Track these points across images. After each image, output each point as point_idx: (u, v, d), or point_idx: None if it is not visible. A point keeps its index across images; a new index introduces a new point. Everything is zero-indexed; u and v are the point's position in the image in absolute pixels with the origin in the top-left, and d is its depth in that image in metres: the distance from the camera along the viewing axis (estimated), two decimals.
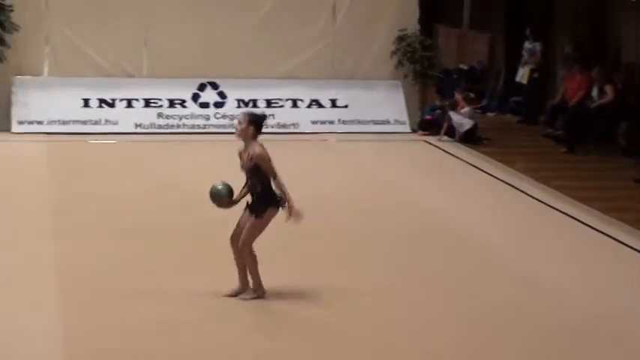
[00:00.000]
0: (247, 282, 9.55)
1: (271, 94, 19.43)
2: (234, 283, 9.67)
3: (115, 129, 18.47)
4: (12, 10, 18.27)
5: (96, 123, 18.54)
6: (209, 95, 19.24)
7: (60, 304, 9.17)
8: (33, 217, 12.31)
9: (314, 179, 15.06)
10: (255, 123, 9.70)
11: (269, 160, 9.51)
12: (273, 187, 9.50)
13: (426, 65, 19.94)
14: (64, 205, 13.02)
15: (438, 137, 18.77)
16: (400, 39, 19.88)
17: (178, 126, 18.87)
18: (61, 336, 8.43)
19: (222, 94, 19.30)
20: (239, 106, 19.16)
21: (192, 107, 19.11)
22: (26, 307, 9.07)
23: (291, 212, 9.38)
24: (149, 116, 18.84)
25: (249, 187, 9.58)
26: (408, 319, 9.34)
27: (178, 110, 19.01)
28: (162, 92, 19.06)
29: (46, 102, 18.56)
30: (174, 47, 19.12)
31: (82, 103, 18.70)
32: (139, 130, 18.58)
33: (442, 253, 11.53)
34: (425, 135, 19.14)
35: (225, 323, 9.03)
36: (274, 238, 9.98)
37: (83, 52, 18.90)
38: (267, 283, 9.69)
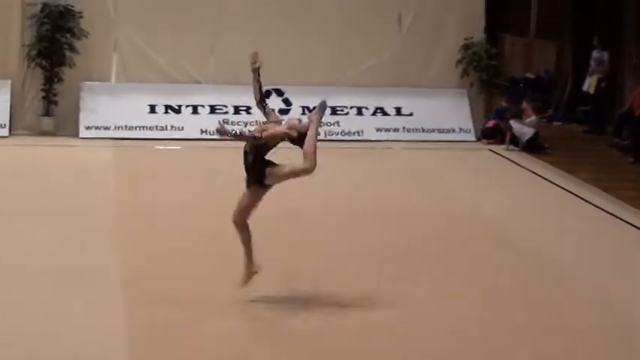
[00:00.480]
0: (252, 259, 9.57)
1: (336, 102, 19.39)
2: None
3: (181, 135, 18.58)
4: (81, 17, 18.46)
5: (162, 129, 18.66)
6: (274, 102, 19.25)
7: (124, 308, 9.19)
8: (99, 221, 12.38)
9: (377, 188, 15.00)
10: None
11: (278, 138, 9.59)
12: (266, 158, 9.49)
13: (491, 74, 19.81)
14: (129, 209, 13.09)
15: (504, 146, 18.62)
16: (466, 47, 19.77)
17: (242, 132, 18.88)
18: (124, 340, 8.44)
19: (287, 101, 19.33)
20: (304, 113, 19.14)
21: (258, 114, 19.07)
22: (92, 311, 9.10)
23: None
24: (215, 122, 18.83)
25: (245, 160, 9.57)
26: (476, 330, 9.23)
27: (244, 116, 19.05)
28: (228, 99, 19.13)
29: (113, 108, 18.71)
30: (241, 54, 19.01)
31: (148, 109, 18.84)
32: (204, 136, 18.66)
33: (506, 265, 11.34)
34: (489, 144, 19.00)
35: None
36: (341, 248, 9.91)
37: (150, 58, 19.03)
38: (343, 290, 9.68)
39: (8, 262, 10.45)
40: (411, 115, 19.61)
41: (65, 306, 9.22)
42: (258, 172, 9.45)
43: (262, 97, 9.81)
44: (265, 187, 9.54)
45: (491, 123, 19.41)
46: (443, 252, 11.67)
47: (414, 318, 9.44)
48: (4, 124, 18.27)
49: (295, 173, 9.53)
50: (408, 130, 19.46)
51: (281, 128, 9.52)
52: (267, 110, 9.81)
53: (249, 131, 9.56)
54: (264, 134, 9.33)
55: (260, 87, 9.78)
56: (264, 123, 9.72)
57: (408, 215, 13.34)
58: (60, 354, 8.14)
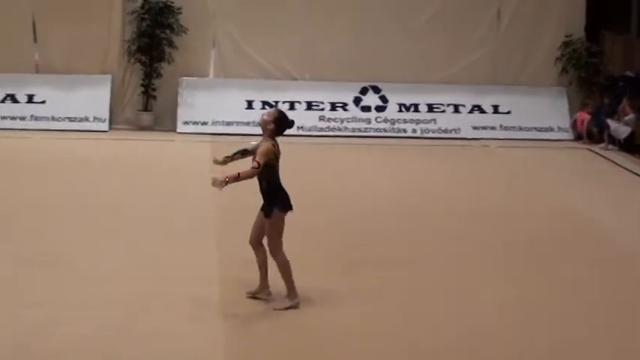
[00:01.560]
0: (267, 285, 9.34)
1: (433, 99, 19.23)
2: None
3: None
4: (180, 13, 18.57)
5: (259, 124, 18.62)
6: (371, 99, 19.17)
7: (222, 306, 9.14)
8: (197, 217, 12.38)
9: (473, 186, 14.80)
10: (279, 122, 9.41)
11: (271, 154, 9.16)
12: (280, 184, 9.23)
13: (591, 72, 19.44)
14: (226, 206, 13.07)
15: (603, 145, 18.25)
16: (565, 45, 19.44)
17: (339, 129, 18.87)
18: (222, 343, 8.38)
19: (383, 98, 19.20)
20: (400, 110, 19.05)
21: (354, 110, 19.07)
22: (186, 312, 9.08)
23: (218, 181, 9.02)
24: (311, 119, 18.88)
25: (260, 186, 9.33)
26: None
27: (340, 113, 19.00)
28: (325, 95, 19.09)
29: (211, 103, 18.80)
30: (338, 51, 19.12)
31: (245, 104, 18.88)
32: (300, 132, 18.62)
33: (601, 265, 11.06)
34: (588, 143, 18.64)
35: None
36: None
37: (248, 54, 19.07)
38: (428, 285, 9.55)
39: (108, 254, 10.49)
40: (508, 113, 19.34)
41: (163, 301, 9.21)
42: (273, 197, 9.27)
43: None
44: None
45: (581, 120, 19.01)
46: (550, 252, 11.39)
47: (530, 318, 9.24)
48: (104, 119, 18.47)
49: None
50: (505, 129, 19.20)
51: (265, 143, 9.27)
52: (245, 152, 9.55)
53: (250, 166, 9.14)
54: (258, 159, 9.11)
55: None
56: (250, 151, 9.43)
57: (506, 214, 13.10)
58: (164, 348, 8.14)
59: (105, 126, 18.42)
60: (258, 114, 18.61)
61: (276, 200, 9.16)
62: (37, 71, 18.87)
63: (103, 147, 17.29)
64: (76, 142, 17.36)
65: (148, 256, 10.51)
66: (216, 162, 9.42)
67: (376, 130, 18.90)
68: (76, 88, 18.64)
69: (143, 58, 18.58)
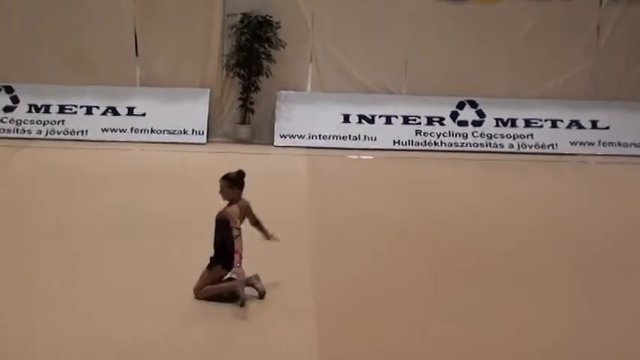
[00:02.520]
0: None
1: (530, 114, 19.01)
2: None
3: (374, 145, 18.54)
4: (279, 27, 18.65)
5: (355, 138, 18.67)
6: (468, 113, 19.02)
7: (315, 320, 9.12)
8: (292, 230, 12.38)
9: (570, 202, 14.57)
10: (236, 183, 9.50)
11: (237, 218, 9.24)
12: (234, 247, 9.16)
13: None
14: (322, 218, 13.07)
15: None
16: None
17: (436, 143, 18.75)
18: (316, 352, 8.37)
19: (480, 113, 19.03)
20: (497, 125, 18.86)
21: (451, 125, 18.94)
22: (283, 320, 9.07)
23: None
24: (407, 133, 18.81)
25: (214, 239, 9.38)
26: None
27: (436, 128, 18.88)
28: (421, 109, 18.99)
29: (308, 117, 18.83)
30: (435, 65, 19.02)
31: (342, 118, 18.88)
32: (396, 146, 18.58)
33: None
34: None
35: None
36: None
37: (345, 68, 19.07)
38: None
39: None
40: (607, 128, 19.01)
41: (259, 304, 9.26)
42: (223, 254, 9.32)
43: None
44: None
45: None
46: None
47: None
48: (203, 132, 18.63)
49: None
50: (604, 144, 18.88)
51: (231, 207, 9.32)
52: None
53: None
54: (234, 224, 9.20)
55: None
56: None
57: (603, 230, 12.87)
58: (260, 350, 8.18)
59: (203, 139, 18.58)
60: (354, 128, 18.73)
61: (222, 259, 9.26)
62: (138, 84, 19.12)
63: (201, 160, 17.42)
64: (174, 155, 17.53)
65: (244, 261, 10.54)
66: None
67: (473, 144, 18.75)
68: (175, 101, 18.84)
69: (242, 72, 18.70)
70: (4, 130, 18.64)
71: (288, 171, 16.46)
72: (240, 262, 9.04)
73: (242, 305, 9.18)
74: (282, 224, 12.54)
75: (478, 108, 19.03)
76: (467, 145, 18.72)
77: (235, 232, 9.17)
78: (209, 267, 9.41)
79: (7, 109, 18.85)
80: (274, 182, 15.36)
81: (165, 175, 15.56)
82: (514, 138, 18.80)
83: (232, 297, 9.28)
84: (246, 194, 14.01)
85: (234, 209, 9.35)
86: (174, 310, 9.13)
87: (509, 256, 11.46)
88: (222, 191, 9.47)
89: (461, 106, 19.04)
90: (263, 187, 14.88)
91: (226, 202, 9.52)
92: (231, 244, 9.17)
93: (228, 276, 9.43)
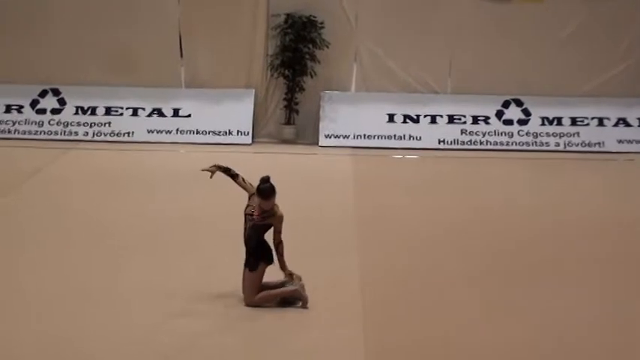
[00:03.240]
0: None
1: (576, 112, 18.84)
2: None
3: (419, 145, 18.47)
4: (323, 27, 18.63)
5: (400, 138, 18.61)
6: (513, 112, 18.88)
7: (361, 320, 9.08)
8: (338, 230, 12.37)
9: (615, 201, 14.43)
10: (266, 195, 9.59)
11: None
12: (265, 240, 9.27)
13: None
14: (368, 218, 13.04)
15: None
16: None
17: (481, 142, 18.64)
18: (362, 352, 8.33)
19: (526, 112, 18.89)
20: (543, 124, 18.72)
21: (496, 124, 18.82)
22: (327, 320, 9.04)
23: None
24: (452, 132, 18.71)
25: (244, 238, 9.35)
26: None
27: (482, 127, 18.77)
28: (466, 109, 18.88)
29: (353, 117, 18.78)
30: (479, 64, 18.90)
31: (387, 118, 18.81)
32: (442, 146, 18.50)
33: None
34: None
35: None
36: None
37: (389, 68, 19.00)
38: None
39: None
40: None
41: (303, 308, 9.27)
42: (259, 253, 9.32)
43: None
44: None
45: None
46: None
47: None
48: (248, 132, 18.65)
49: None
50: None
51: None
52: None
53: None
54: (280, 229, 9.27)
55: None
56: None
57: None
58: (306, 348, 8.16)
59: (248, 139, 18.60)
60: (399, 128, 18.68)
61: (262, 255, 9.30)
62: (183, 86, 19.19)
63: (246, 160, 17.41)
64: (219, 156, 17.50)
65: (290, 267, 10.55)
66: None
67: (518, 143, 18.61)
68: (220, 102, 18.88)
69: (286, 72, 18.69)
70: (51, 132, 18.77)
71: (333, 171, 16.44)
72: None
73: (305, 306, 9.20)
74: (328, 224, 12.57)
75: (524, 107, 18.89)
76: (512, 144, 18.59)
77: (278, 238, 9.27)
78: (251, 270, 9.35)
79: (55, 112, 18.98)
80: (319, 182, 15.36)
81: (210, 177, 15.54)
82: (560, 136, 18.65)
83: (285, 301, 9.28)
84: (292, 194, 14.02)
85: (281, 213, 9.38)
86: (220, 311, 9.12)
87: (557, 255, 11.37)
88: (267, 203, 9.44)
89: (506, 104, 18.92)
90: (308, 188, 14.92)
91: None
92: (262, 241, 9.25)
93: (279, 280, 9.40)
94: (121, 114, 18.93)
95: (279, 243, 9.20)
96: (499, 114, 18.82)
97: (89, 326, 8.67)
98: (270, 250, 9.26)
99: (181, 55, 19.10)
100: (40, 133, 18.76)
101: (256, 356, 8.12)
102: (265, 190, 9.35)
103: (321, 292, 9.59)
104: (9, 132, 18.76)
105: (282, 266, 9.22)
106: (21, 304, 9.29)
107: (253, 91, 18.96)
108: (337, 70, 19.03)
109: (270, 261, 9.30)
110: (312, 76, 18.63)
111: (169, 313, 9.02)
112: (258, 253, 9.32)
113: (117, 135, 18.65)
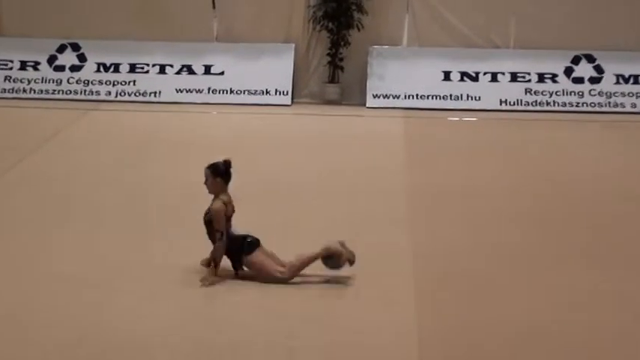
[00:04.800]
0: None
1: None
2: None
3: (478, 105, 18.34)
4: None
5: (457, 98, 18.49)
6: (584, 69, 18.70)
7: (414, 297, 9.06)
8: (388, 201, 12.32)
9: None
10: (220, 173, 9.37)
11: (222, 217, 9.19)
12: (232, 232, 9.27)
13: None
14: (421, 187, 12.98)
15: None
16: None
17: (548, 103, 18.48)
18: (415, 332, 8.31)
19: (598, 69, 18.70)
20: (617, 82, 18.52)
21: (565, 82, 18.65)
22: (375, 298, 9.02)
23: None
24: (516, 92, 18.56)
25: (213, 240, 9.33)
26: None
27: (548, 85, 18.61)
28: (531, 65, 18.72)
29: (404, 74, 18.68)
30: (546, 15, 18.72)
31: (442, 75, 18.70)
32: (503, 107, 18.35)
33: None
34: None
35: None
36: None
37: (446, 20, 18.87)
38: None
39: (302, 235, 10.55)
40: None
41: (352, 286, 9.25)
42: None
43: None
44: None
45: None
46: None
47: None
48: (287, 92, 18.59)
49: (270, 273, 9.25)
50: None
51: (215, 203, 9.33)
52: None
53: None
54: (217, 226, 9.22)
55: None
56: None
57: None
58: (356, 333, 8.15)
59: (287, 100, 18.55)
60: (455, 87, 18.54)
61: (242, 248, 9.33)
62: (216, 40, 19.15)
63: (286, 123, 17.42)
64: (255, 118, 17.54)
65: (336, 239, 10.53)
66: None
67: (590, 104, 18.44)
68: (256, 59, 18.84)
69: (330, 25, 18.59)
70: (70, 92, 18.83)
71: (383, 135, 16.38)
72: (216, 266, 9.25)
73: (352, 263, 9.24)
74: (378, 194, 12.55)
75: (596, 63, 18.72)
76: (583, 105, 18.44)
77: (218, 236, 9.23)
78: (249, 253, 9.33)
79: (74, 69, 19.02)
80: (367, 148, 15.31)
81: (246, 141, 15.57)
82: (637, 96, 18.45)
83: (329, 263, 9.29)
84: (337, 160, 13.95)
85: (219, 207, 9.27)
86: (258, 288, 9.12)
87: (631, 228, 11.24)
88: (206, 181, 9.42)
89: (576, 61, 18.74)
90: (355, 154, 14.88)
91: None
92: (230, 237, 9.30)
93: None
94: (147, 71, 18.96)
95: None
96: (568, 71, 18.66)
97: (113, 299, 8.70)
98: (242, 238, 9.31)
99: (214, 6, 19.07)
100: (58, 92, 18.83)
101: (300, 337, 8.08)
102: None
103: (369, 267, 9.57)
104: (24, 91, 18.85)
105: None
106: (45, 275, 9.38)
107: (293, 45, 18.91)
108: (387, 22, 18.94)
109: (252, 246, 9.29)
110: (358, 29, 18.52)
111: (205, 290, 9.04)
112: (238, 251, 9.32)
113: (142, 95, 18.69)
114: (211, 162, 9.48)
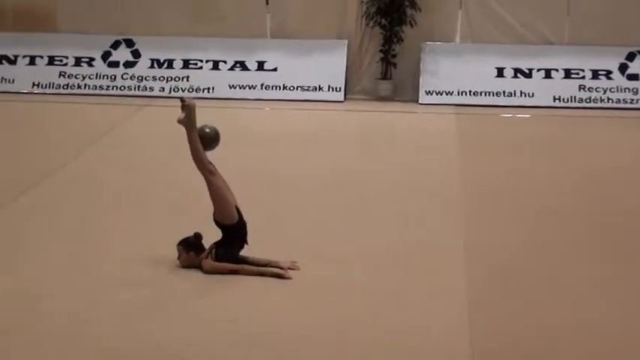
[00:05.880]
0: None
1: None
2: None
3: (531, 102, 18.32)
4: None
5: (510, 95, 18.47)
6: (638, 66, 18.60)
7: (467, 296, 9.08)
8: (442, 199, 12.33)
9: None
10: (192, 248, 9.57)
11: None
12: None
13: None
14: (475, 185, 12.99)
15: None
16: None
17: (602, 100, 18.42)
18: (466, 327, 8.34)
19: (630, 56, 18.63)
20: None
21: (619, 79, 18.57)
22: (426, 298, 9.05)
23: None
24: (569, 88, 18.51)
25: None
26: None
27: (602, 82, 18.54)
28: (585, 62, 18.67)
29: (457, 71, 18.70)
30: (601, 11, 18.64)
31: (495, 72, 18.69)
32: (557, 103, 18.32)
33: None
34: None
35: None
36: None
37: (499, 16, 18.85)
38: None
39: (350, 234, 10.63)
40: None
41: (404, 283, 9.30)
42: None
43: None
44: None
45: None
46: None
47: None
48: (339, 88, 18.67)
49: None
50: None
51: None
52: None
53: None
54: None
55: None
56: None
57: None
58: (409, 328, 8.20)
59: (340, 96, 18.63)
60: (509, 83, 18.52)
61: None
62: (269, 36, 19.25)
63: (338, 119, 17.49)
64: (308, 114, 17.63)
65: (388, 236, 10.60)
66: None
67: None
68: (309, 55, 18.93)
69: (383, 21, 18.64)
70: (124, 88, 19.02)
71: (435, 132, 16.41)
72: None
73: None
74: (431, 192, 12.56)
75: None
76: (637, 102, 18.37)
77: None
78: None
79: (128, 65, 19.22)
80: (420, 145, 15.34)
81: (299, 137, 15.66)
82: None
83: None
84: (389, 157, 14.00)
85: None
86: (306, 285, 9.23)
87: None
88: (179, 257, 9.58)
89: (631, 57, 18.66)
90: (407, 151, 14.92)
91: None
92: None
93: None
94: (200, 67, 19.11)
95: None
96: (622, 68, 18.58)
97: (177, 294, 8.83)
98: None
99: (267, 2, 19.17)
100: (112, 88, 19.04)
101: (346, 339, 8.13)
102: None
103: (420, 266, 9.62)
104: (78, 87, 19.06)
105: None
106: (102, 271, 9.51)
107: (346, 42, 18.98)
108: (440, 18, 18.95)
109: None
110: (411, 25, 18.55)
111: (250, 284, 9.13)
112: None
113: (195, 90, 18.82)
114: (182, 238, 9.63)
